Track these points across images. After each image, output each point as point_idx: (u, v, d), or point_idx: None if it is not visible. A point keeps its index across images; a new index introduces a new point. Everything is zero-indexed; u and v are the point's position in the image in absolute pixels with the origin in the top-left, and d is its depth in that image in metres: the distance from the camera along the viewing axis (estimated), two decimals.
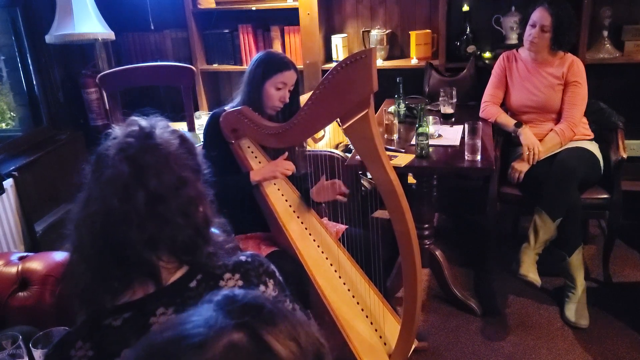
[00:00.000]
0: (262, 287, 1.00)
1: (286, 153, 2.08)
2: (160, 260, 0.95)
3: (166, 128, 1.00)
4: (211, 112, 2.18)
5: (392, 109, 2.84)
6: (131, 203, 0.90)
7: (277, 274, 1.06)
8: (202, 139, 2.21)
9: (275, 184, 2.10)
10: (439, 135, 2.56)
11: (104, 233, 0.92)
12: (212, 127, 2.09)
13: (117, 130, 0.97)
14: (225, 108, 2.10)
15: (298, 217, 2.06)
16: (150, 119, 1.01)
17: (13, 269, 1.83)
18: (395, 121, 2.64)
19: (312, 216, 2.10)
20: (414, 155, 2.33)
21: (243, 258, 1.03)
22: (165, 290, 0.96)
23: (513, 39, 3.25)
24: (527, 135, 2.60)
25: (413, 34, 3.36)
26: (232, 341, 0.55)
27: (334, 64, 1.84)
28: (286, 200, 2.08)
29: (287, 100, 2.08)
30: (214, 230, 1.03)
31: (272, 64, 2.05)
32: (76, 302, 0.96)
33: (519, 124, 2.65)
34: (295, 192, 2.12)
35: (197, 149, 1.05)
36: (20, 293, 1.78)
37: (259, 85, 2.04)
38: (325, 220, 2.19)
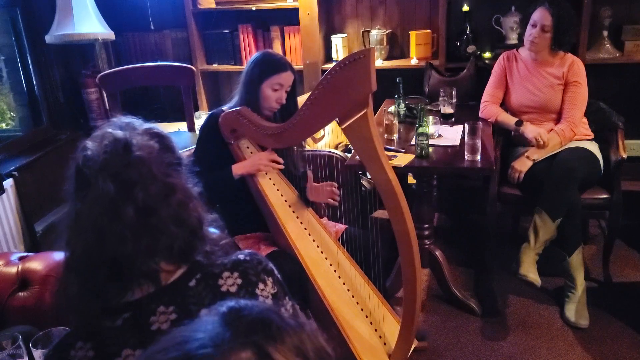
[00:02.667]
0: (261, 285, 1.01)
1: (270, 148, 2.06)
2: (159, 266, 0.96)
3: (141, 130, 0.97)
4: (209, 112, 2.18)
5: (392, 109, 2.84)
6: (122, 220, 0.89)
7: (276, 272, 1.06)
8: None
9: (274, 185, 2.10)
10: (439, 135, 2.56)
11: (98, 250, 0.91)
12: (209, 127, 2.08)
13: (91, 145, 0.93)
14: (223, 108, 2.09)
15: (297, 217, 2.06)
16: (122, 124, 0.97)
17: (13, 269, 1.83)
18: (395, 121, 2.64)
19: (312, 216, 2.10)
20: (414, 155, 2.33)
21: (241, 256, 1.04)
22: (165, 290, 0.95)
23: (513, 39, 3.25)
24: (530, 129, 2.61)
25: (413, 34, 3.36)
26: None
27: (333, 64, 1.83)
28: (285, 201, 2.08)
29: (284, 101, 2.07)
30: (207, 228, 1.02)
31: (269, 65, 2.03)
32: (68, 314, 0.96)
33: (519, 122, 2.65)
34: (294, 192, 2.12)
35: (173, 140, 1.03)
36: (20, 293, 1.78)
37: (256, 87, 2.03)
38: (324, 220, 2.19)
